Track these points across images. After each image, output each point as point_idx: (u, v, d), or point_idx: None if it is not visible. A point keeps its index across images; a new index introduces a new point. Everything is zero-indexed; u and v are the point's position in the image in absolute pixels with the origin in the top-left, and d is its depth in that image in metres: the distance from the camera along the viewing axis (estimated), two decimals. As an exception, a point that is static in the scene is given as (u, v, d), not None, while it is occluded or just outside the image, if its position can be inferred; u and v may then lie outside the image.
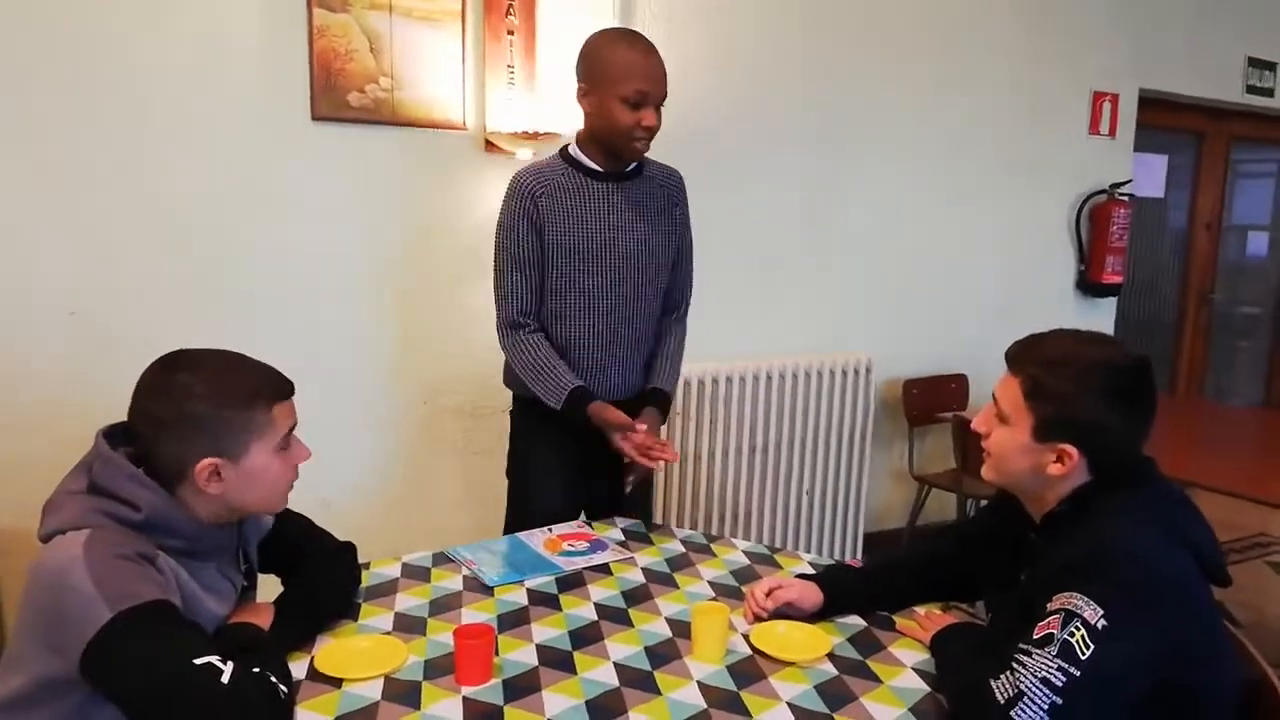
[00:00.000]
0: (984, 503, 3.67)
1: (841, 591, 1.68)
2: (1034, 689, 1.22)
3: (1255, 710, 1.40)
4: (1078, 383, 1.38)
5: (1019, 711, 1.22)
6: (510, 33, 2.88)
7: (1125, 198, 4.25)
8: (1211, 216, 5.02)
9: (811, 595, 1.65)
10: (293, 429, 1.43)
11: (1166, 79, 4.41)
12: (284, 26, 2.60)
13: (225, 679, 1.18)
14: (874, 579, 1.73)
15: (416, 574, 1.80)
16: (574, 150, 2.15)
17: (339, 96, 2.70)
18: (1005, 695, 1.24)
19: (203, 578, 1.37)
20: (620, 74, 1.99)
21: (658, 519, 3.13)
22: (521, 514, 2.19)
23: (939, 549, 1.75)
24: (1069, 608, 1.26)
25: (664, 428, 3.15)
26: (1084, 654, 1.22)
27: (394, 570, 1.81)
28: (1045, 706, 1.21)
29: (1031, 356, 1.44)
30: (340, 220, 2.76)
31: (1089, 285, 4.30)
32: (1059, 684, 1.22)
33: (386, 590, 1.72)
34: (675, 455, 2.17)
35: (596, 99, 2.04)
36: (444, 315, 2.94)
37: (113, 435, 1.36)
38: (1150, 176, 4.61)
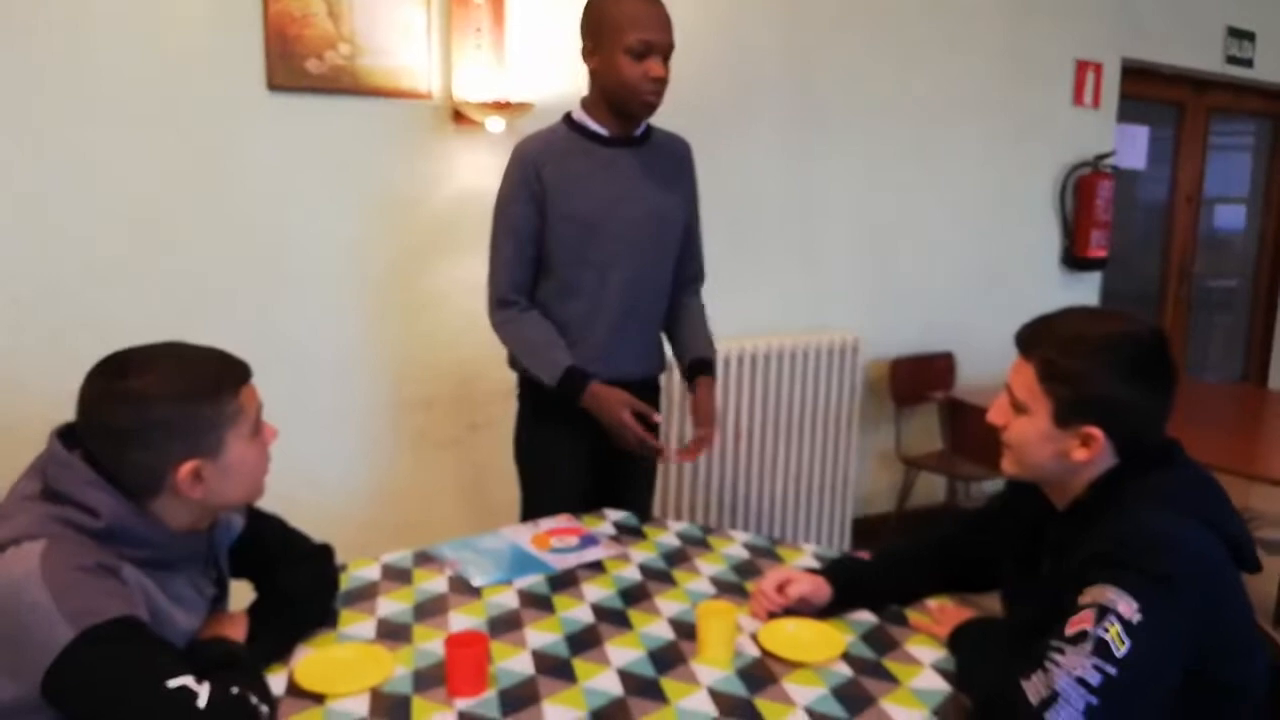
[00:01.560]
0: (974, 485, 3.63)
1: (852, 585, 1.59)
2: (1069, 689, 1.14)
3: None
4: (1095, 360, 1.30)
5: (1054, 713, 1.13)
6: (480, -3, 2.72)
7: (1109, 170, 4.18)
8: (1192, 189, 4.98)
9: (822, 590, 1.55)
10: (259, 410, 1.32)
11: (1149, 48, 4.34)
12: (237, -11, 2.44)
13: (201, 703, 1.07)
14: (884, 571, 1.64)
15: (398, 576, 1.68)
16: (579, 115, 2.06)
17: (296, 64, 2.54)
18: (1039, 696, 1.15)
19: (171, 589, 1.25)
20: (623, 24, 1.92)
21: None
22: (538, 501, 2.10)
23: (951, 538, 1.66)
24: (1103, 602, 1.17)
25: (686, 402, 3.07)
26: (1120, 651, 1.14)
27: (373, 572, 1.69)
28: (1081, 708, 1.13)
29: (1043, 338, 1.36)
30: (298, 196, 2.59)
31: (1074, 259, 4.24)
32: (1095, 684, 1.13)
33: (366, 594, 1.60)
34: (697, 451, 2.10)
35: (601, 55, 1.96)
36: (409, 298, 2.79)
37: (66, 435, 1.22)
38: (1132, 148, 4.55)
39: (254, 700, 1.14)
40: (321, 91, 2.57)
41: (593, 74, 2.01)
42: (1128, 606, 1.15)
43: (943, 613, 1.56)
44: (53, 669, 1.06)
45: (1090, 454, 1.31)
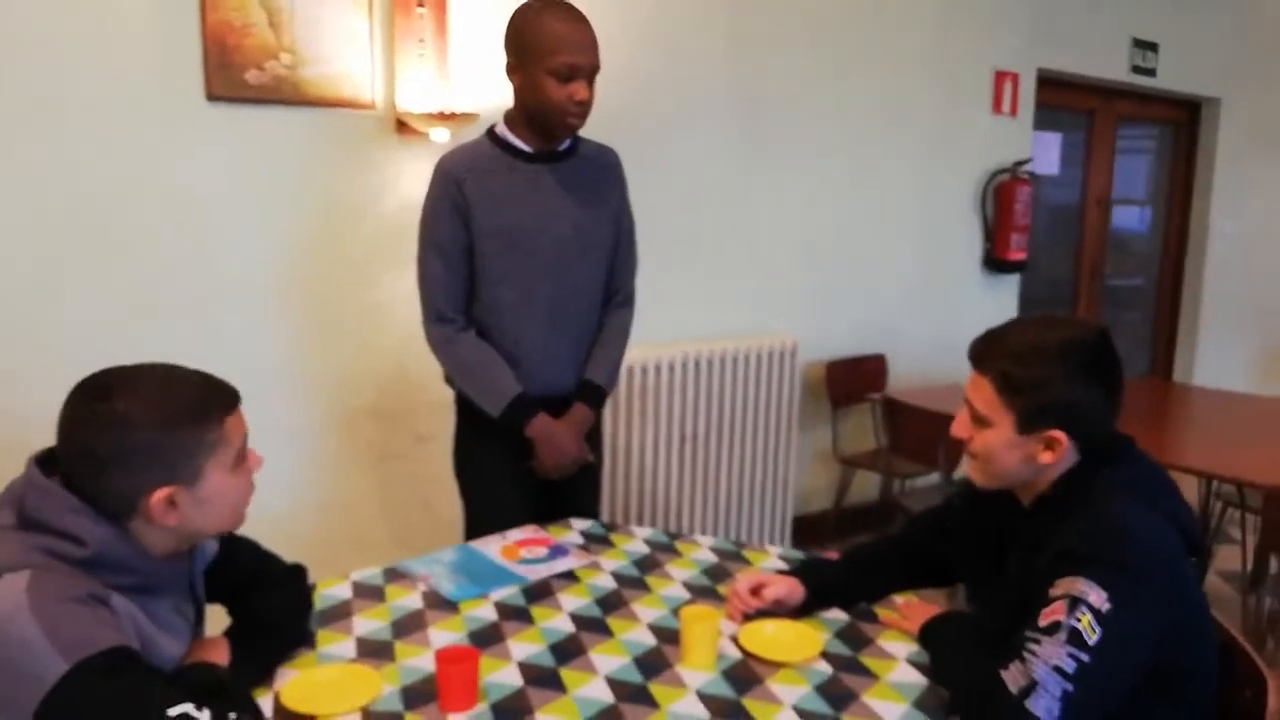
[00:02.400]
0: (909, 482, 3.75)
1: (823, 586, 1.63)
2: (1047, 678, 1.20)
3: (1230, 676, 1.42)
4: (1050, 367, 1.37)
5: (1034, 701, 1.19)
6: (420, 5, 2.70)
7: (1027, 175, 4.36)
8: (1102, 192, 5.22)
9: (796, 591, 1.59)
10: (245, 439, 1.29)
11: (1061, 59, 4.54)
12: (173, -2, 2.38)
13: None
14: (853, 571, 1.69)
15: (370, 593, 1.66)
16: (502, 130, 2.03)
17: (236, 74, 2.49)
18: (1019, 685, 1.21)
19: (157, 615, 1.22)
20: (549, 46, 1.89)
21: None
22: (483, 514, 2.08)
23: (913, 538, 1.72)
24: (1074, 593, 1.24)
25: (632, 409, 3.09)
26: (1092, 639, 1.21)
27: (344, 590, 1.67)
28: (1058, 695, 1.19)
29: (996, 352, 1.42)
30: (239, 207, 2.54)
31: (995, 262, 4.41)
32: (1071, 671, 1.20)
33: (341, 613, 1.58)
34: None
35: (525, 74, 1.93)
36: (352, 311, 2.75)
37: (44, 463, 1.18)
38: (1046, 154, 4.76)
39: None
40: (262, 102, 2.52)
41: (516, 91, 1.98)
42: (1098, 597, 1.22)
43: (910, 608, 1.62)
44: (46, 703, 1.02)
45: (1056, 456, 1.38)
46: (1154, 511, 1.32)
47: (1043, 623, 1.24)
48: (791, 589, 1.59)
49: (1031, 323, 1.46)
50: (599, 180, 2.10)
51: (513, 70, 1.96)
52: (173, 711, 1.06)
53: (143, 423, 1.17)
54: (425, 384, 2.84)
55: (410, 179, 2.77)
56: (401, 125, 2.71)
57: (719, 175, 3.47)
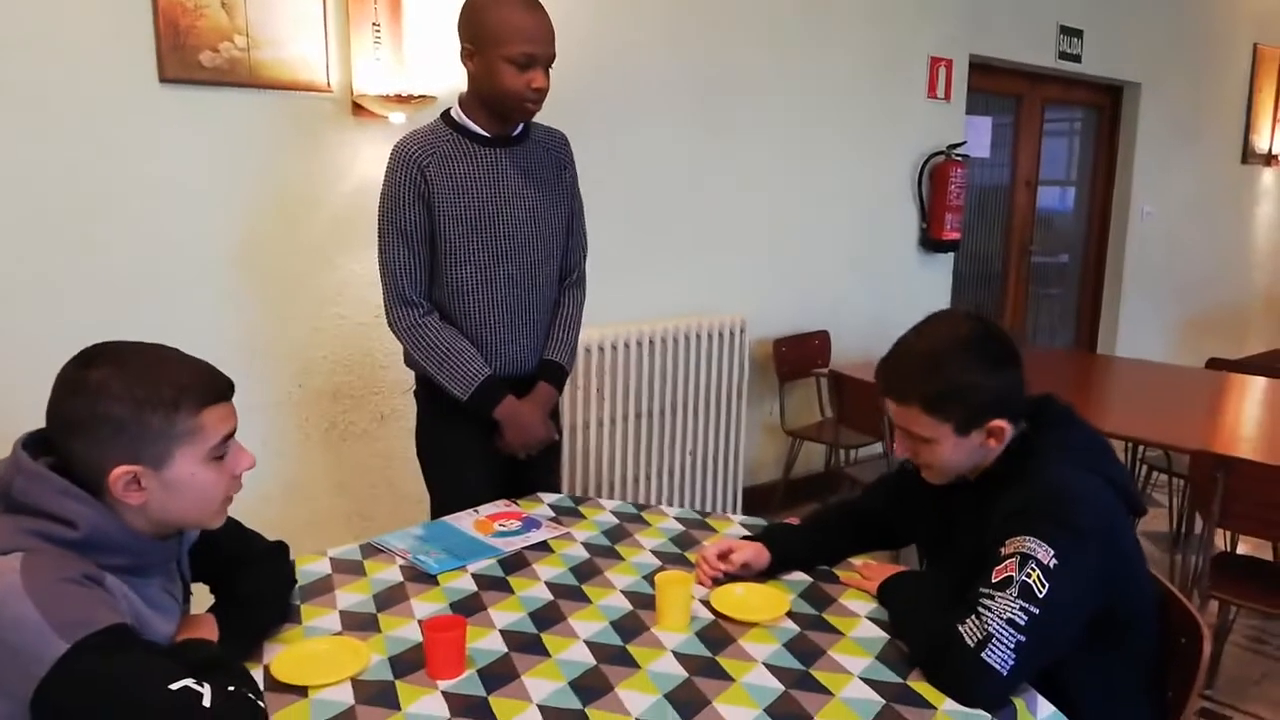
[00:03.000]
0: (853, 453, 3.88)
1: (786, 549, 1.73)
2: (1000, 630, 1.30)
3: (1168, 626, 1.55)
4: (960, 370, 1.45)
5: (989, 652, 1.29)
6: (375, -11, 2.71)
7: (960, 158, 4.51)
8: (1029, 174, 5.42)
9: (762, 555, 1.68)
10: (230, 435, 1.30)
11: (992, 45, 4.70)
12: (123, -23, 2.35)
13: (206, 702, 1.08)
14: (814, 536, 1.79)
15: (349, 568, 1.71)
16: (458, 114, 2.05)
17: (189, 56, 2.47)
18: (975, 639, 1.31)
19: (148, 595, 1.24)
20: (507, 35, 1.91)
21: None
22: (448, 498, 2.11)
23: (870, 503, 1.83)
24: (1023, 550, 1.34)
25: (589, 386, 3.15)
26: (1041, 591, 1.31)
27: (323, 566, 1.71)
28: (1012, 645, 1.29)
29: (905, 378, 1.50)
30: (194, 191, 2.53)
31: (930, 242, 4.56)
32: (1022, 622, 1.30)
33: (322, 589, 1.62)
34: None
35: (482, 61, 1.95)
36: (311, 293, 2.76)
37: (30, 445, 1.20)
38: (978, 137, 4.92)
39: (251, 696, 1.17)
40: (217, 84, 2.51)
41: (472, 77, 2.00)
42: (1045, 553, 1.33)
43: (868, 569, 1.72)
44: (45, 683, 1.03)
45: (1001, 441, 1.49)
46: (1093, 474, 1.44)
47: (995, 578, 1.35)
48: (758, 553, 1.68)
49: (918, 338, 1.52)
50: (551, 163, 2.14)
51: (469, 56, 1.97)
52: (174, 686, 1.08)
53: (114, 396, 1.17)
54: (386, 363, 2.88)
55: (367, 162, 2.78)
56: (358, 108, 2.72)
57: (667, 160, 3.54)
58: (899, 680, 1.36)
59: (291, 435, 2.77)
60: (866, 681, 1.35)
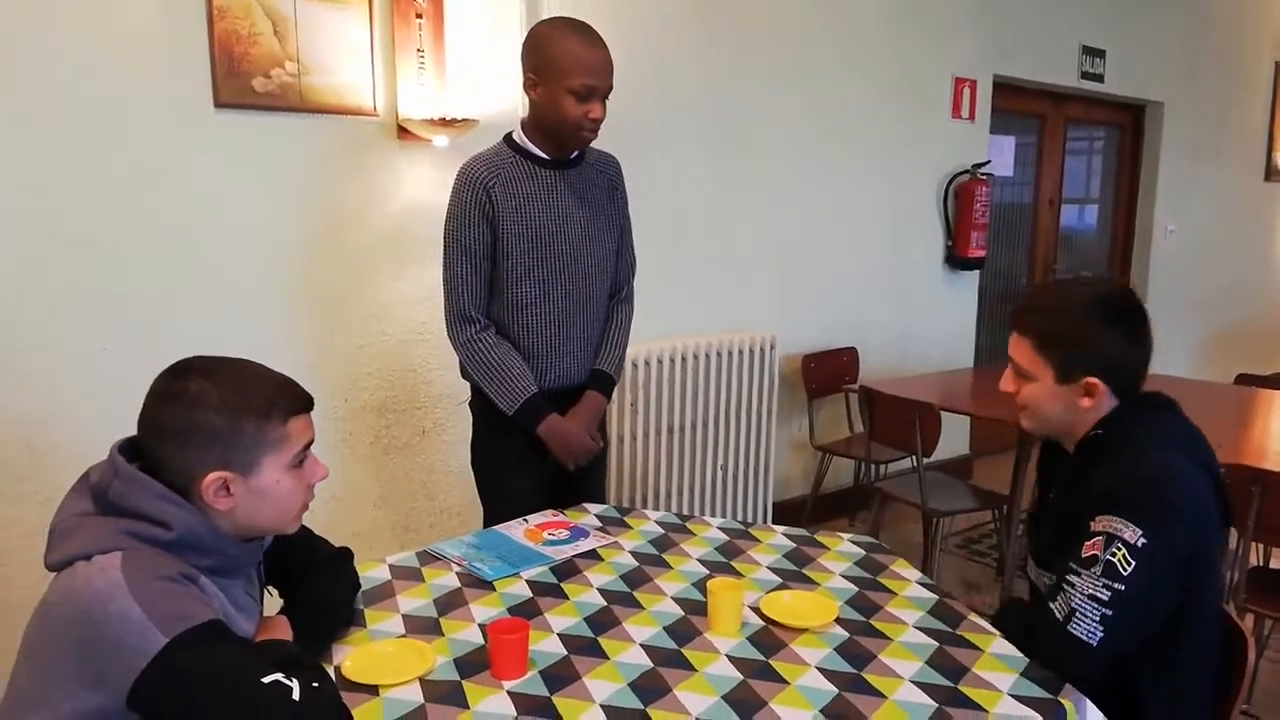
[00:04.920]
0: (884, 467, 3.92)
1: None
2: (1084, 604, 1.39)
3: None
4: (1081, 320, 1.53)
5: (1074, 625, 1.39)
6: (419, 16, 2.80)
7: (985, 177, 4.56)
8: (1053, 192, 5.46)
9: None
10: (309, 445, 1.36)
11: (1015, 66, 4.76)
12: (180, 8, 2.43)
13: (296, 696, 1.13)
14: None
15: (408, 575, 1.76)
16: (519, 137, 2.14)
17: (243, 82, 2.56)
18: (1062, 613, 1.40)
19: (233, 595, 1.30)
20: (569, 67, 2.00)
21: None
22: (499, 506, 2.18)
23: None
24: (1110, 530, 1.41)
25: (624, 400, 3.21)
26: (1125, 570, 1.38)
27: (383, 573, 1.77)
28: (1097, 618, 1.38)
29: (1032, 313, 1.59)
30: (247, 212, 2.61)
31: (956, 260, 4.60)
32: (1105, 597, 1.38)
33: (384, 594, 1.68)
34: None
35: (544, 91, 2.04)
36: (357, 310, 2.84)
37: (124, 451, 1.26)
38: (1001, 156, 4.97)
39: (334, 692, 1.23)
40: (268, 109, 2.60)
41: (534, 105, 2.09)
42: (1132, 533, 1.39)
43: None
44: (144, 675, 1.08)
45: (1094, 400, 1.54)
46: (1186, 458, 1.47)
47: (1083, 555, 1.42)
48: None
49: (1061, 284, 1.65)
50: (603, 185, 2.23)
51: (532, 86, 2.07)
52: (266, 680, 1.13)
53: (210, 405, 1.24)
54: (430, 379, 2.95)
55: (411, 183, 2.86)
56: (403, 131, 2.80)
57: (698, 181, 3.60)
58: (950, 684, 1.39)
59: (338, 449, 2.84)
60: (918, 685, 1.39)
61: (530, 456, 2.19)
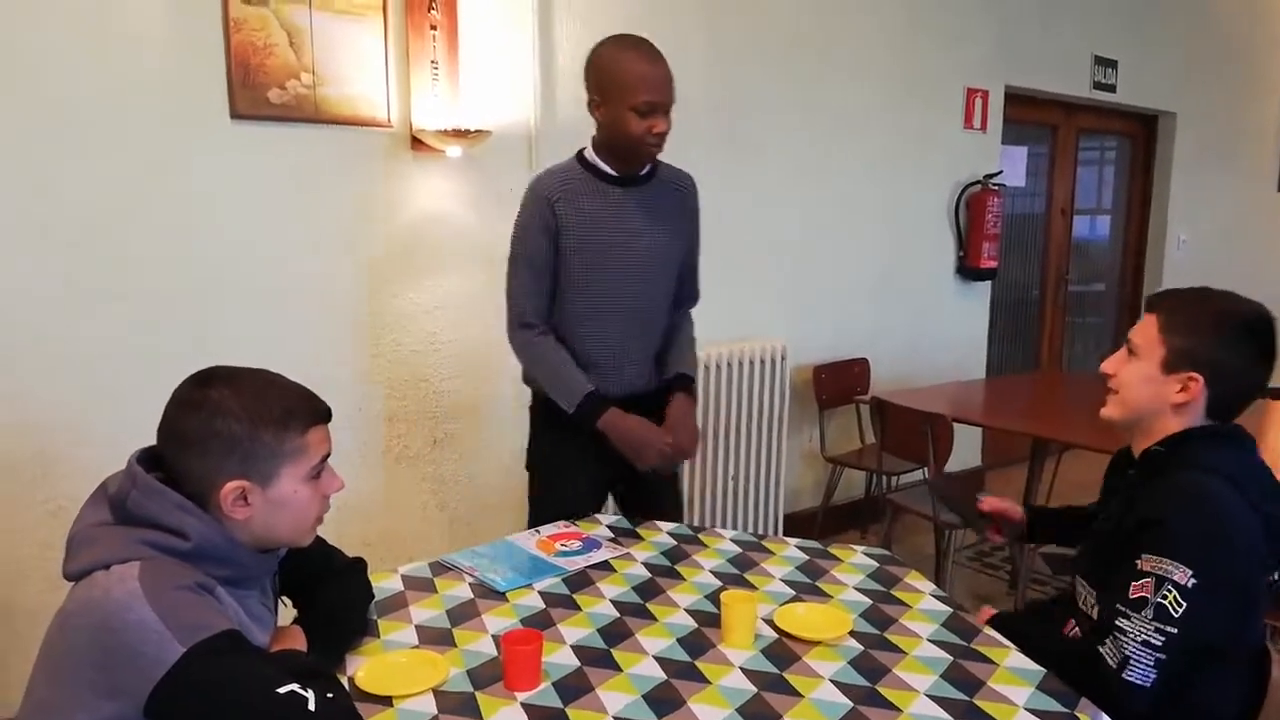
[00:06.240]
0: (896, 479, 3.91)
1: (1039, 514, 1.93)
2: (1137, 652, 1.39)
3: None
4: (1210, 320, 1.52)
5: (1129, 672, 1.38)
6: (433, 28, 2.82)
7: (997, 187, 4.56)
8: (1065, 202, 5.45)
9: (1017, 511, 1.91)
10: (326, 457, 1.37)
11: (1027, 76, 4.75)
12: (198, 19, 2.45)
13: (311, 706, 1.14)
14: (1062, 517, 1.94)
15: (420, 585, 1.77)
16: (590, 155, 2.18)
17: (259, 93, 2.58)
18: (1115, 660, 1.39)
19: (248, 606, 1.31)
20: (632, 85, 2.04)
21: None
22: (546, 508, 2.21)
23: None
24: (1159, 572, 1.39)
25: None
26: (1177, 612, 1.37)
27: (395, 584, 1.77)
28: (1151, 663, 1.37)
29: (1171, 297, 1.59)
30: (262, 222, 2.63)
31: (968, 270, 4.59)
32: (1159, 643, 1.37)
33: (396, 604, 1.68)
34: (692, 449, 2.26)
35: (608, 110, 2.08)
36: (372, 320, 2.85)
37: (142, 462, 1.27)
38: (1013, 167, 4.96)
39: (348, 703, 1.23)
40: (284, 120, 2.61)
41: (599, 124, 2.13)
42: (1183, 575, 1.38)
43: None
44: (161, 685, 1.09)
45: (1188, 397, 1.51)
46: (1242, 496, 1.43)
47: (1132, 596, 1.40)
48: (1015, 510, 1.92)
49: (1213, 290, 1.60)
50: (675, 202, 2.27)
51: (596, 106, 2.11)
52: (282, 690, 1.13)
53: (230, 414, 1.25)
54: (442, 389, 2.96)
55: (425, 194, 2.88)
56: (416, 142, 2.82)
57: (708, 189, 3.56)
58: (965, 698, 1.39)
59: (350, 458, 2.85)
60: (933, 699, 1.39)
61: (590, 463, 2.20)
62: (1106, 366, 1.63)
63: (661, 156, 2.21)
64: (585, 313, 2.16)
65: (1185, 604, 1.37)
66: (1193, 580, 1.37)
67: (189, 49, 2.46)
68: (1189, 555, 1.39)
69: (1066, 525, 1.92)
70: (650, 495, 2.28)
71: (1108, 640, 1.41)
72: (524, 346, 2.17)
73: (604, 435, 2.13)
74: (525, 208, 2.15)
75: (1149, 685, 1.36)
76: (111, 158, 2.39)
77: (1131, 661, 1.37)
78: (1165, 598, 1.38)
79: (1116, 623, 1.40)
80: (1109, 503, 1.65)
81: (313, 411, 1.34)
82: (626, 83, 2.04)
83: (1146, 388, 1.55)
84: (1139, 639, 1.38)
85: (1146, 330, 1.57)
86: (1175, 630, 1.37)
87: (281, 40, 2.58)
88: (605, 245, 2.13)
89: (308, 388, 1.36)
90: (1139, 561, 1.42)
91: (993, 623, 1.65)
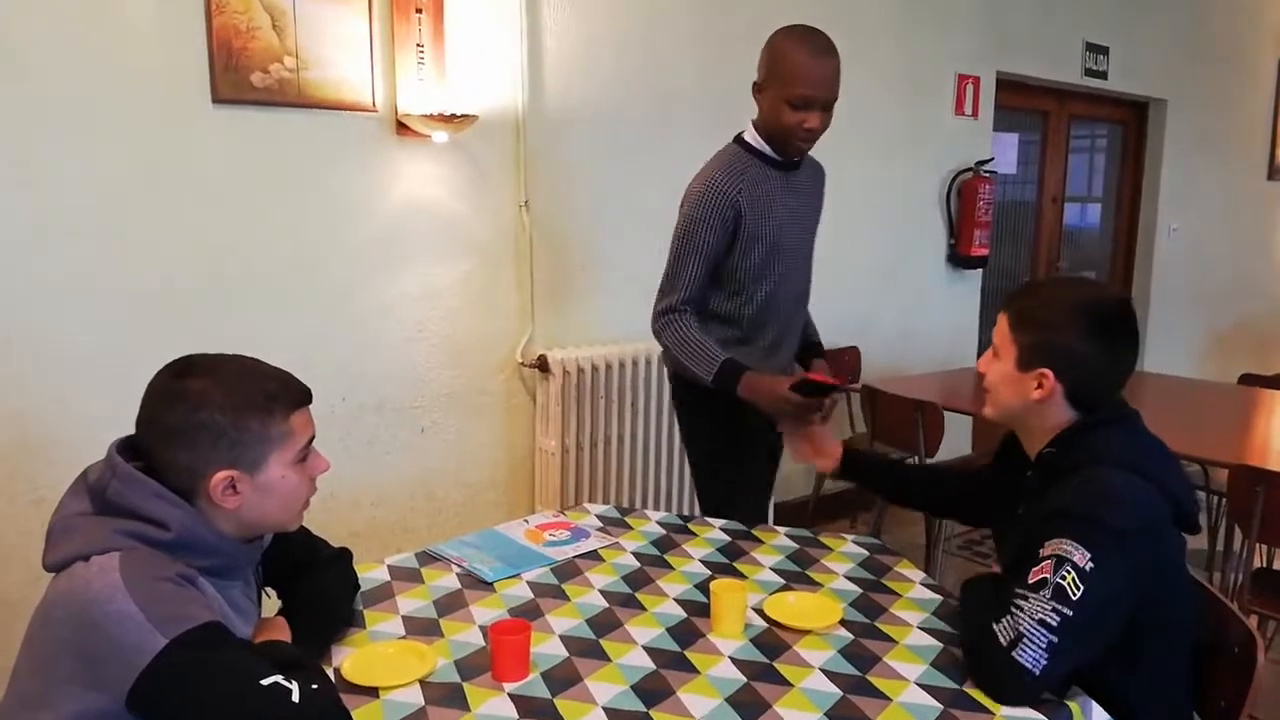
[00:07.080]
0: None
1: (861, 457, 1.93)
2: (1032, 629, 1.33)
3: (1222, 636, 1.56)
4: (1057, 312, 1.50)
5: (1020, 652, 1.32)
6: (418, 10, 2.78)
7: (988, 174, 4.54)
8: (1056, 190, 5.44)
9: (837, 448, 1.96)
10: (312, 439, 1.35)
11: (1018, 62, 4.73)
12: (179, 1, 2.41)
13: (295, 698, 1.12)
14: (893, 466, 1.96)
15: (407, 575, 1.75)
16: (753, 138, 2.20)
17: (241, 77, 2.54)
18: (1007, 638, 1.34)
19: (230, 597, 1.29)
20: (792, 76, 2.06)
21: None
22: (730, 485, 2.30)
23: (953, 473, 1.90)
24: (1059, 553, 1.36)
25: (624, 400, 3.22)
26: (1075, 594, 1.33)
27: (381, 574, 1.75)
28: (1044, 645, 1.32)
29: (1022, 294, 1.58)
30: (245, 208, 2.59)
31: (959, 258, 4.58)
32: (1054, 623, 1.32)
33: (383, 595, 1.66)
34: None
35: (768, 95, 2.11)
36: (357, 308, 2.82)
37: (122, 451, 1.25)
38: (1005, 154, 4.94)
39: (333, 694, 1.21)
40: (267, 104, 2.58)
41: (760, 109, 2.15)
42: (1081, 556, 1.34)
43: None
44: (145, 675, 1.07)
45: (1043, 394, 1.50)
46: (1145, 480, 1.43)
47: (1031, 579, 1.37)
48: (836, 447, 1.96)
49: (1063, 279, 1.63)
50: (814, 189, 2.34)
51: (758, 90, 2.14)
52: (265, 682, 1.12)
53: (213, 404, 1.23)
54: (429, 377, 2.93)
55: (410, 179, 2.84)
56: (402, 127, 2.78)
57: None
58: (955, 686, 1.38)
59: (335, 447, 2.82)
60: (923, 687, 1.38)
61: (750, 436, 2.25)
62: (979, 366, 1.63)
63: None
64: (760, 298, 2.20)
65: (1083, 586, 1.33)
66: (1090, 564, 1.34)
67: (169, 32, 2.42)
68: (1088, 540, 1.36)
69: (882, 470, 1.98)
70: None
71: (1004, 618, 1.37)
72: (666, 325, 2.19)
73: (738, 398, 2.12)
74: (704, 202, 2.13)
75: (1037, 672, 1.31)
76: (91, 144, 2.35)
77: (1024, 640, 1.32)
78: (1064, 578, 1.34)
79: (1014, 603, 1.37)
80: (1019, 508, 1.60)
81: (295, 395, 1.32)
82: (786, 74, 2.06)
83: (1009, 387, 1.55)
84: (1035, 617, 1.34)
85: (1001, 330, 1.57)
86: (1071, 612, 1.32)
87: (264, 23, 2.54)
88: (776, 230, 2.18)
89: (287, 371, 1.34)
90: (1041, 549, 1.39)
91: (965, 585, 1.62)
